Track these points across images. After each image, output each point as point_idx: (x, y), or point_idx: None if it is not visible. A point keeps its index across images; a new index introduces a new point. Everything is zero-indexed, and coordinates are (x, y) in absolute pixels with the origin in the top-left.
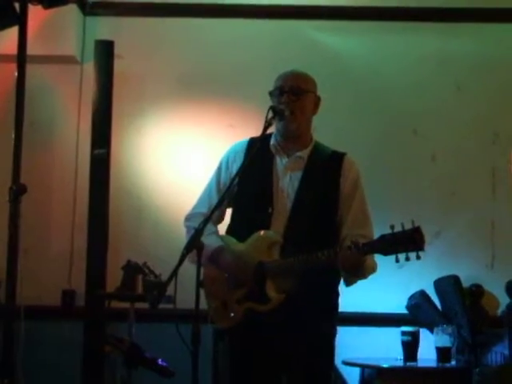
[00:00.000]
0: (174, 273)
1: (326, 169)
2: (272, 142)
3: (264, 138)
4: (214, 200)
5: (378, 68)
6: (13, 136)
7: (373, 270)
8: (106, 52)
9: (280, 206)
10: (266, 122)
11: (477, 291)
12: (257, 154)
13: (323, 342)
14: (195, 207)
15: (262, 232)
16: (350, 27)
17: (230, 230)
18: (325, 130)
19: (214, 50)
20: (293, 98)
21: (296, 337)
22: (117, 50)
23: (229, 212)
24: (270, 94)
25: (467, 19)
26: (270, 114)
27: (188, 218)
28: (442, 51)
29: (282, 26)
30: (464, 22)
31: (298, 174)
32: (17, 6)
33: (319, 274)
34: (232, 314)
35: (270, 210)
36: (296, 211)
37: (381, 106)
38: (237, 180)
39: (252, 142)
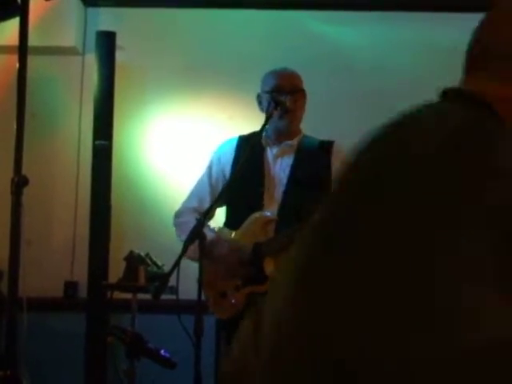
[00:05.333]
0: (177, 264)
1: (315, 155)
2: (263, 136)
3: (253, 134)
4: (205, 195)
5: (382, 59)
6: (14, 127)
7: None
8: (107, 43)
9: (272, 190)
10: (267, 113)
11: None
12: (249, 149)
13: None
14: (184, 202)
15: (256, 214)
16: (351, 18)
17: (226, 223)
18: (327, 124)
19: (216, 41)
20: (294, 97)
21: None
22: (118, 41)
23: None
24: (269, 91)
25: (479, 9)
26: (273, 105)
27: (178, 215)
28: (448, 41)
29: (284, 17)
30: (476, 12)
31: (289, 160)
32: None
33: None
34: (233, 301)
35: (261, 190)
36: (288, 195)
37: (383, 98)
38: (229, 175)
39: (241, 140)
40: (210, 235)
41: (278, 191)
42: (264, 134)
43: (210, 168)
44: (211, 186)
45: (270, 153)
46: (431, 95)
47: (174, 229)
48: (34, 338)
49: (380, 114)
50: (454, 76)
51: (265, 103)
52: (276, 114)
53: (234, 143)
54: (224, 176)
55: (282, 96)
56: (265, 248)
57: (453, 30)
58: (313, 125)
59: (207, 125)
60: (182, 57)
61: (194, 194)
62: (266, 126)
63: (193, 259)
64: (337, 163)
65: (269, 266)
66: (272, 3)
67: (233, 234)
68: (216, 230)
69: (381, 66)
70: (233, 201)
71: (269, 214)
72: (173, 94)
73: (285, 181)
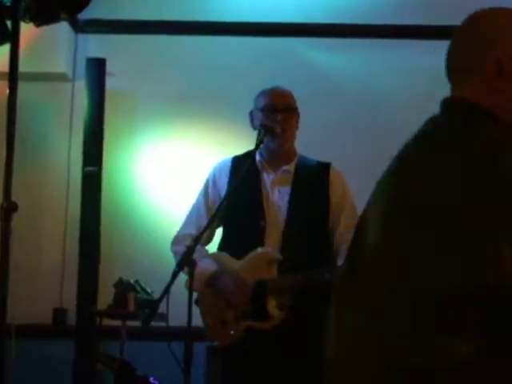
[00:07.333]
0: (166, 290)
1: (313, 180)
2: (258, 158)
3: (248, 154)
4: (203, 219)
5: (369, 85)
6: (4, 153)
7: None
8: (97, 69)
9: (272, 219)
10: (258, 139)
11: None
12: (243, 171)
13: None
14: (182, 228)
15: (259, 249)
16: (340, 44)
17: (223, 246)
18: (315, 148)
19: (207, 68)
20: (286, 116)
21: (296, 357)
22: (109, 68)
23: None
24: (261, 110)
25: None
26: (262, 132)
27: (175, 242)
28: (434, 67)
29: (273, 44)
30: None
31: (287, 189)
32: (8, 23)
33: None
34: (232, 332)
35: (262, 223)
36: (290, 224)
37: (372, 123)
38: (224, 198)
39: (235, 160)
40: (211, 267)
41: (279, 223)
42: (258, 156)
43: (205, 191)
44: (208, 209)
45: (268, 179)
46: (416, 117)
47: (172, 255)
48: (22, 365)
49: (368, 137)
50: (433, 100)
51: (257, 122)
52: (266, 139)
53: (228, 164)
54: (220, 198)
55: (271, 115)
56: (270, 285)
57: (437, 56)
58: (302, 149)
59: (198, 151)
60: (172, 83)
61: (191, 219)
62: (258, 149)
63: (196, 291)
64: (333, 189)
65: (271, 306)
66: (263, 30)
67: (234, 263)
68: (216, 254)
69: (368, 90)
70: (230, 226)
71: (272, 251)
72: (163, 120)
73: (284, 210)
